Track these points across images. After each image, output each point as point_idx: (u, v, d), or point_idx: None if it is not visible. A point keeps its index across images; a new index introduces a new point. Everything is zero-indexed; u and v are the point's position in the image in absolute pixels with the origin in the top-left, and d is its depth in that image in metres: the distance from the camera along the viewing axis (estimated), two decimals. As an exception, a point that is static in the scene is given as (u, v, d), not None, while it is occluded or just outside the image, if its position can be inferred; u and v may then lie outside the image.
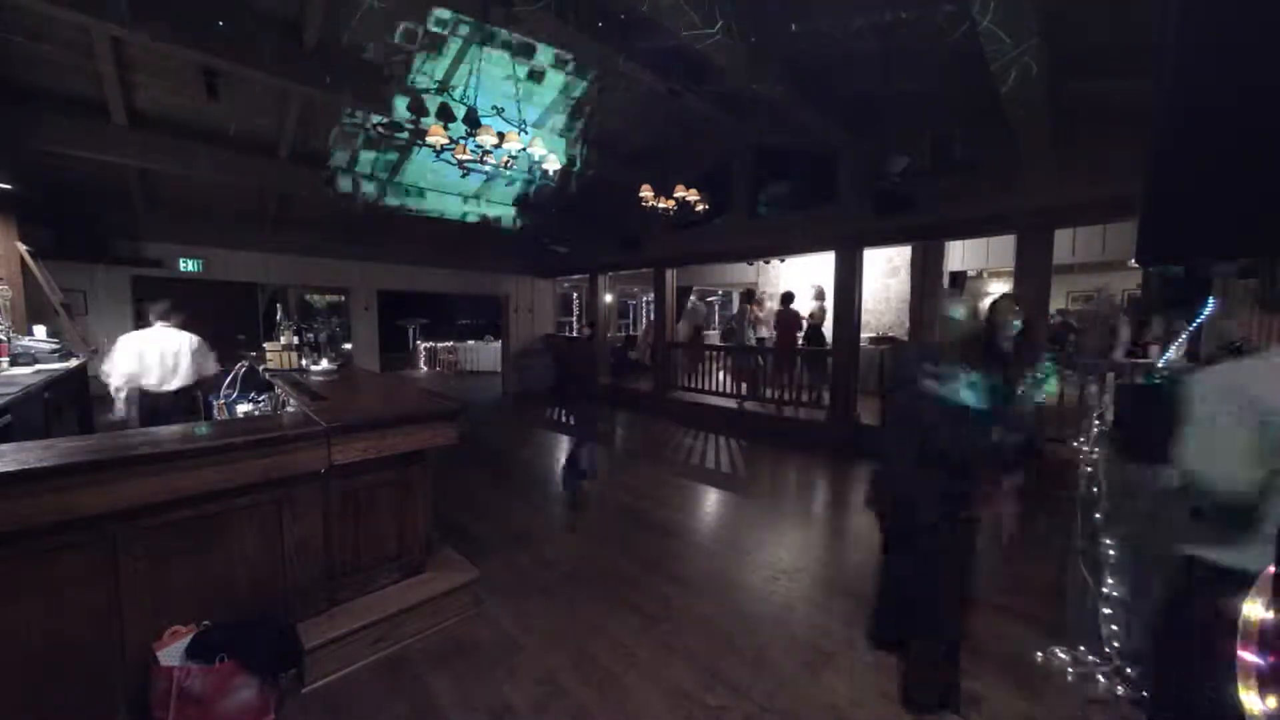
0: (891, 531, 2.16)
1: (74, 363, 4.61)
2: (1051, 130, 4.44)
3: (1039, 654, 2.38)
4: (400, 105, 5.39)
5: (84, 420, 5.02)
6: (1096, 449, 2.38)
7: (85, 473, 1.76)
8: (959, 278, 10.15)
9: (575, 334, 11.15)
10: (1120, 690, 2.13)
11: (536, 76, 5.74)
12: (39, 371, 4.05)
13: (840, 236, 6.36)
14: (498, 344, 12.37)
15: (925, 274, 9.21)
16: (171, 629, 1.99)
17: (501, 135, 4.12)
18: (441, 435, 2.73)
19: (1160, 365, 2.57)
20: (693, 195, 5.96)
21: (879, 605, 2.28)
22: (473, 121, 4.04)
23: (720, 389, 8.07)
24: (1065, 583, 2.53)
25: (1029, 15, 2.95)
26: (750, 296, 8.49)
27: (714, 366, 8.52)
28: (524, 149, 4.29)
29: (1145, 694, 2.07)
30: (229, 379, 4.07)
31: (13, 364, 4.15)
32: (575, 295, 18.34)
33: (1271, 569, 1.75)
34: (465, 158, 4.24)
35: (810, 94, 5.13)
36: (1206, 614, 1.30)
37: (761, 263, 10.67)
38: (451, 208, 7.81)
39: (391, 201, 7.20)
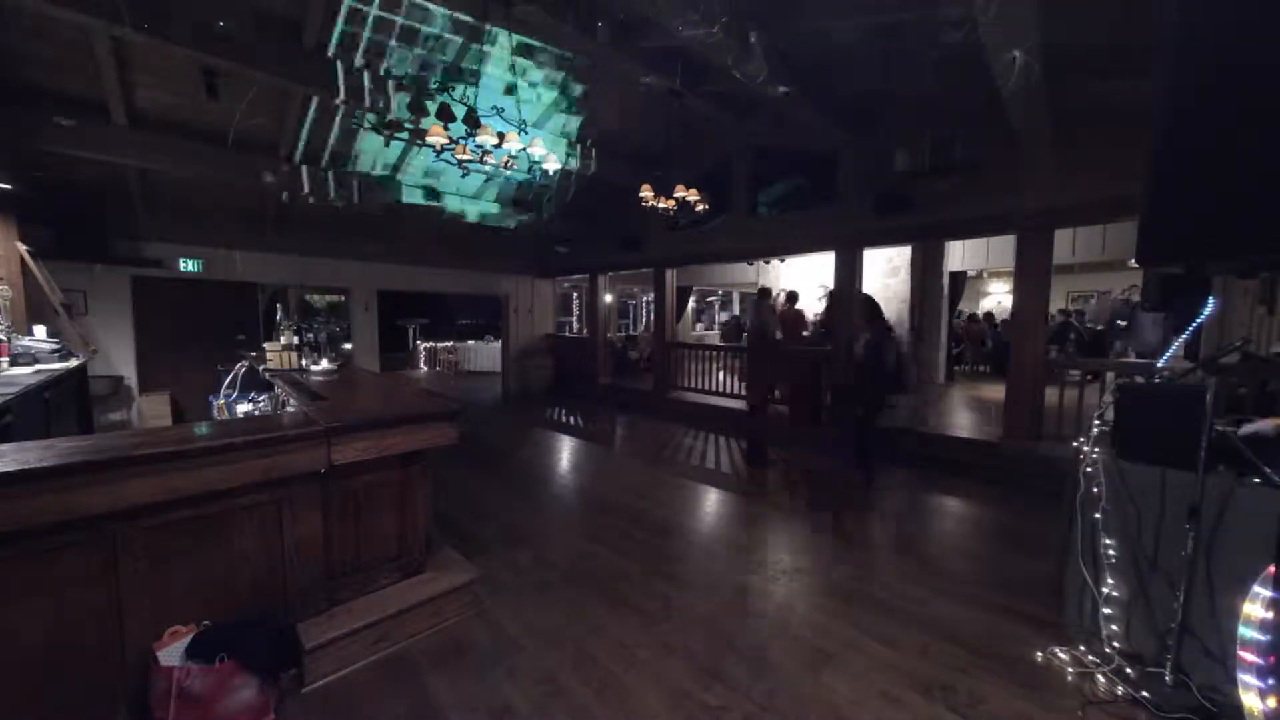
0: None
1: (74, 363, 4.62)
2: (1052, 130, 4.44)
3: (1039, 654, 2.38)
4: (399, 105, 5.39)
5: (84, 420, 5.02)
6: (1096, 449, 2.38)
7: (85, 473, 1.76)
8: (959, 277, 10.16)
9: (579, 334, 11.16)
10: (1120, 690, 2.13)
11: (536, 77, 5.74)
12: (39, 371, 4.06)
13: (840, 236, 6.36)
14: (498, 344, 12.37)
15: (925, 274, 9.22)
16: (171, 629, 1.99)
17: (501, 135, 4.12)
18: (441, 435, 2.72)
19: (1160, 365, 2.57)
20: (693, 195, 5.96)
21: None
22: (473, 121, 4.04)
23: (720, 389, 8.07)
24: (1065, 583, 2.53)
25: (1029, 15, 2.95)
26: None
27: (714, 366, 8.53)
28: (524, 149, 4.29)
29: (1145, 694, 2.07)
30: (229, 379, 4.08)
31: (13, 364, 4.15)
32: (575, 295, 18.34)
33: (1271, 569, 1.75)
34: (465, 158, 4.24)
35: (810, 94, 5.14)
36: None
37: (761, 263, 10.68)
38: (451, 207, 7.81)
39: (392, 201, 7.21)
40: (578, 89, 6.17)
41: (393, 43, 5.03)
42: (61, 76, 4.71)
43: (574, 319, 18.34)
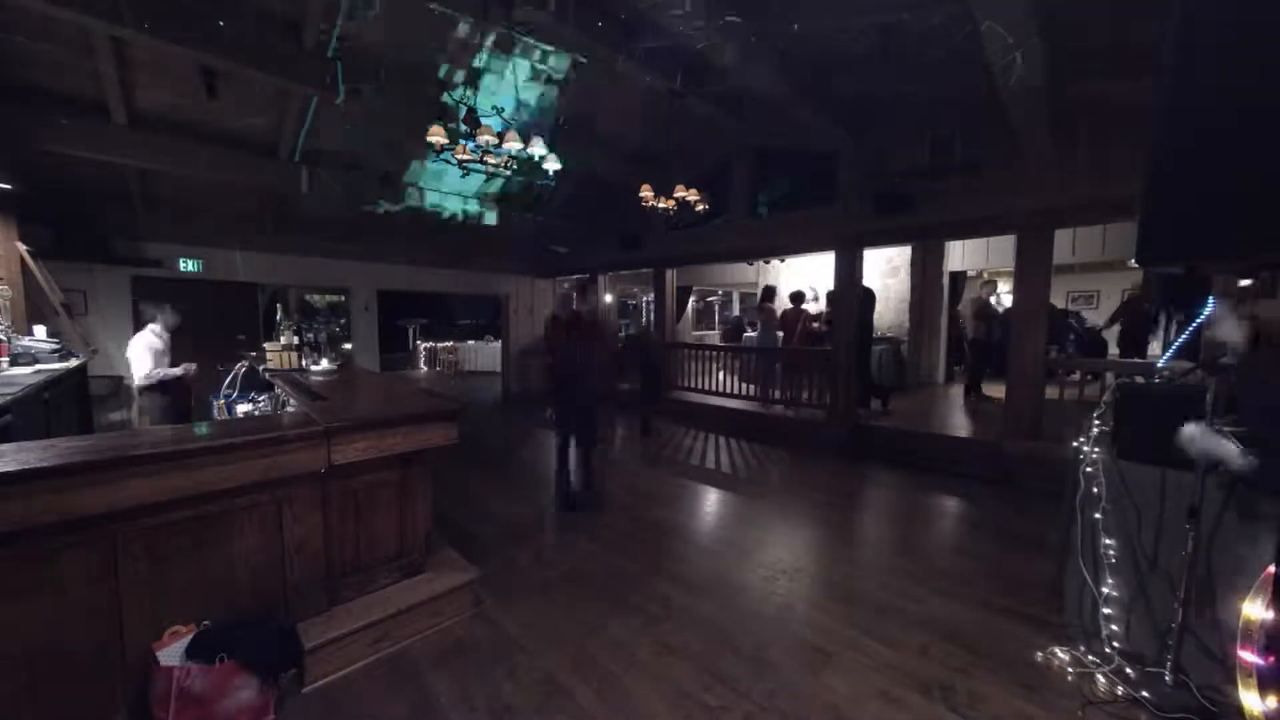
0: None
1: (74, 363, 4.62)
2: (1052, 130, 4.44)
3: (1039, 654, 2.38)
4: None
5: (84, 420, 5.02)
6: (1096, 449, 2.38)
7: (85, 473, 1.76)
8: (959, 277, 10.16)
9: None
10: (1120, 690, 2.13)
11: (536, 77, 5.74)
12: (39, 371, 4.06)
13: (840, 236, 6.36)
14: (498, 344, 12.36)
15: (925, 274, 9.22)
16: (171, 629, 1.99)
17: (501, 135, 4.13)
18: (441, 435, 2.73)
19: (1160, 365, 2.57)
20: (693, 195, 5.96)
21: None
22: (473, 121, 4.04)
23: (720, 389, 8.07)
24: (1065, 583, 2.53)
25: (1029, 15, 2.95)
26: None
27: (714, 366, 8.52)
28: (524, 149, 4.29)
29: (1145, 694, 2.07)
30: (229, 379, 4.08)
31: (13, 364, 4.16)
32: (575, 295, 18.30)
33: (1271, 569, 1.75)
34: (465, 158, 4.24)
35: (810, 94, 5.13)
36: None
37: (761, 263, 10.67)
38: (452, 207, 7.81)
39: (391, 201, 7.21)
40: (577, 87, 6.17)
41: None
42: (61, 76, 4.71)
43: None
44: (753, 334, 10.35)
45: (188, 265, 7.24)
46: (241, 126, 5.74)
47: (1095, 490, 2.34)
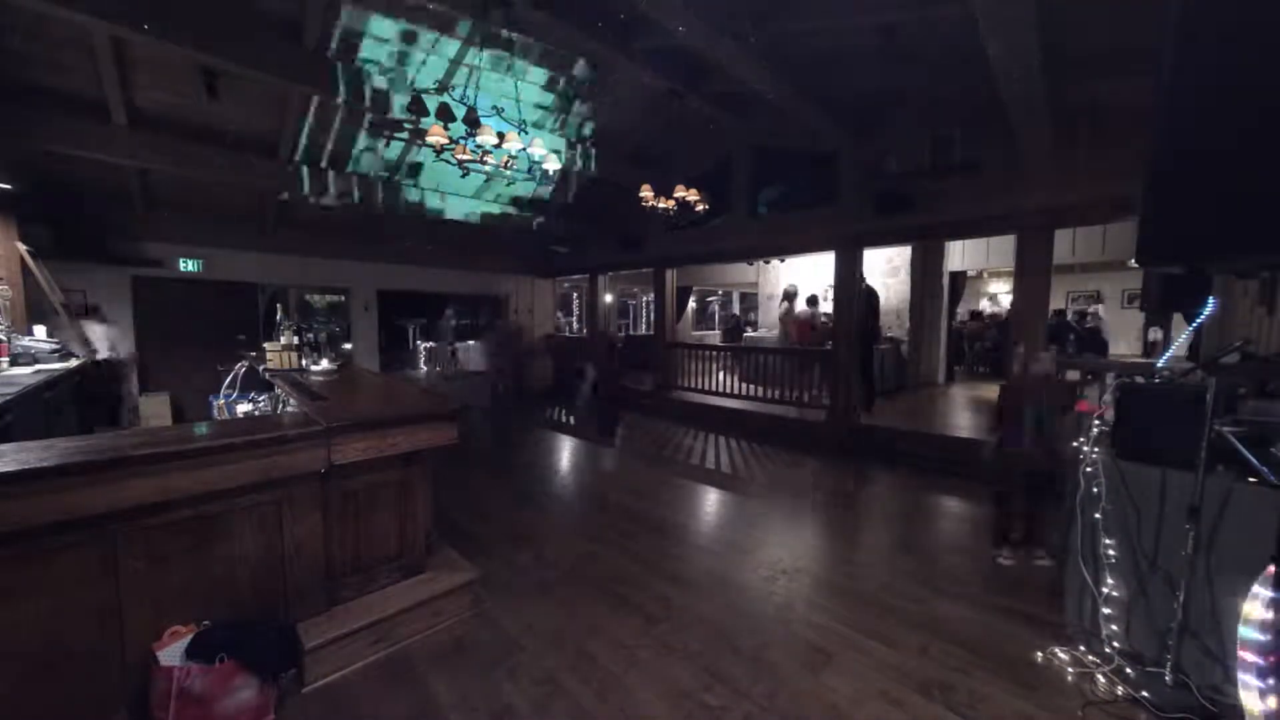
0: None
1: (74, 363, 4.62)
2: (1052, 130, 4.44)
3: (1039, 654, 2.38)
4: (399, 105, 5.39)
5: (84, 420, 5.02)
6: (1096, 449, 2.38)
7: (85, 473, 1.76)
8: (959, 277, 10.17)
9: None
10: (1120, 690, 2.13)
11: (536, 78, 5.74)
12: (39, 371, 4.06)
13: (840, 236, 6.36)
14: (498, 344, 12.35)
15: (925, 274, 9.23)
16: (171, 629, 1.99)
17: (501, 135, 4.12)
18: (441, 435, 2.73)
19: (1160, 365, 2.57)
20: (693, 195, 5.96)
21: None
22: (472, 121, 4.04)
23: (720, 389, 8.07)
24: (1065, 583, 2.53)
25: (1029, 15, 2.95)
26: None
27: (714, 366, 8.53)
28: (524, 149, 4.29)
29: (1145, 694, 2.07)
30: (229, 379, 4.08)
31: (13, 364, 4.16)
32: (575, 295, 18.33)
33: (1271, 569, 1.75)
34: (465, 158, 4.24)
35: (810, 94, 5.13)
36: None
37: (761, 263, 10.68)
38: (452, 207, 7.81)
39: (391, 201, 7.21)
40: (577, 87, 6.17)
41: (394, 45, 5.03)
42: (61, 76, 4.70)
43: (574, 319, 18.33)
44: (757, 334, 10.36)
45: (188, 265, 7.24)
46: (241, 126, 5.74)
47: (1095, 490, 2.34)
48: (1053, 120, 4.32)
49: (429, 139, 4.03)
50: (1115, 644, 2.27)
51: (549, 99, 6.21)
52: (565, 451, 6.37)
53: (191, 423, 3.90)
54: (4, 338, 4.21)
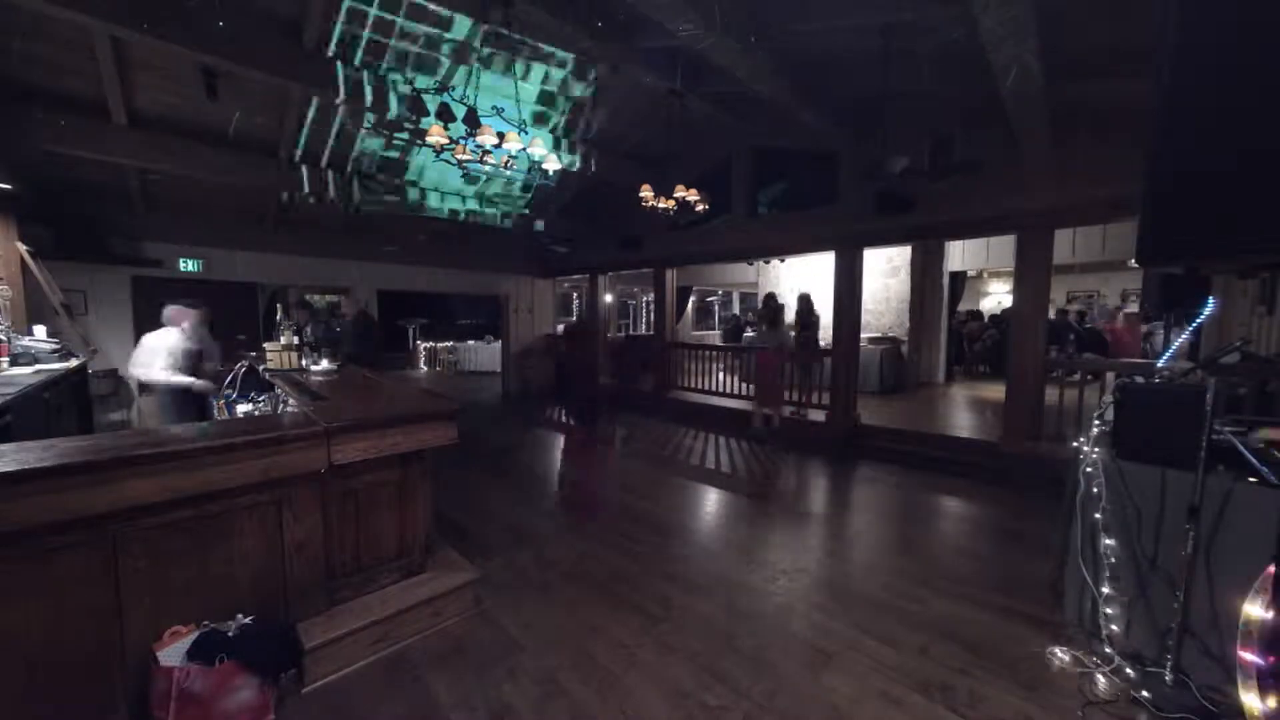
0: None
1: (74, 363, 4.62)
2: (1052, 130, 4.44)
3: (1039, 654, 2.38)
4: (398, 104, 5.39)
5: (84, 420, 5.02)
6: (1097, 449, 2.38)
7: (85, 473, 1.76)
8: (959, 277, 10.17)
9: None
10: (1120, 690, 2.13)
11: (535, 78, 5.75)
12: (39, 371, 4.06)
13: (840, 236, 6.36)
14: (498, 344, 12.37)
15: (925, 274, 9.23)
16: (171, 629, 1.99)
17: (501, 135, 4.12)
18: (441, 435, 2.73)
19: (1160, 365, 2.57)
20: (693, 195, 5.96)
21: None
22: (472, 121, 4.04)
23: (720, 389, 8.07)
24: (1065, 583, 2.53)
25: (1029, 15, 2.94)
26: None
27: (714, 366, 8.52)
28: (524, 149, 4.29)
29: (1145, 694, 2.07)
30: (229, 379, 4.08)
31: (13, 364, 4.16)
32: (575, 295, 18.34)
33: (1271, 569, 1.75)
34: (465, 158, 4.24)
35: (810, 94, 5.13)
36: None
37: (761, 263, 10.67)
38: (452, 207, 7.81)
39: (392, 201, 7.21)
40: (576, 89, 6.17)
41: (394, 42, 5.03)
42: (61, 76, 4.70)
43: (574, 319, 18.30)
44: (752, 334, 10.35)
45: (188, 265, 7.24)
46: (241, 127, 5.74)
47: (1095, 490, 2.34)
48: (1052, 120, 4.32)
49: (429, 139, 4.03)
50: (1115, 644, 2.27)
51: (549, 99, 6.21)
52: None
53: (191, 423, 3.89)
54: (4, 338, 4.21)
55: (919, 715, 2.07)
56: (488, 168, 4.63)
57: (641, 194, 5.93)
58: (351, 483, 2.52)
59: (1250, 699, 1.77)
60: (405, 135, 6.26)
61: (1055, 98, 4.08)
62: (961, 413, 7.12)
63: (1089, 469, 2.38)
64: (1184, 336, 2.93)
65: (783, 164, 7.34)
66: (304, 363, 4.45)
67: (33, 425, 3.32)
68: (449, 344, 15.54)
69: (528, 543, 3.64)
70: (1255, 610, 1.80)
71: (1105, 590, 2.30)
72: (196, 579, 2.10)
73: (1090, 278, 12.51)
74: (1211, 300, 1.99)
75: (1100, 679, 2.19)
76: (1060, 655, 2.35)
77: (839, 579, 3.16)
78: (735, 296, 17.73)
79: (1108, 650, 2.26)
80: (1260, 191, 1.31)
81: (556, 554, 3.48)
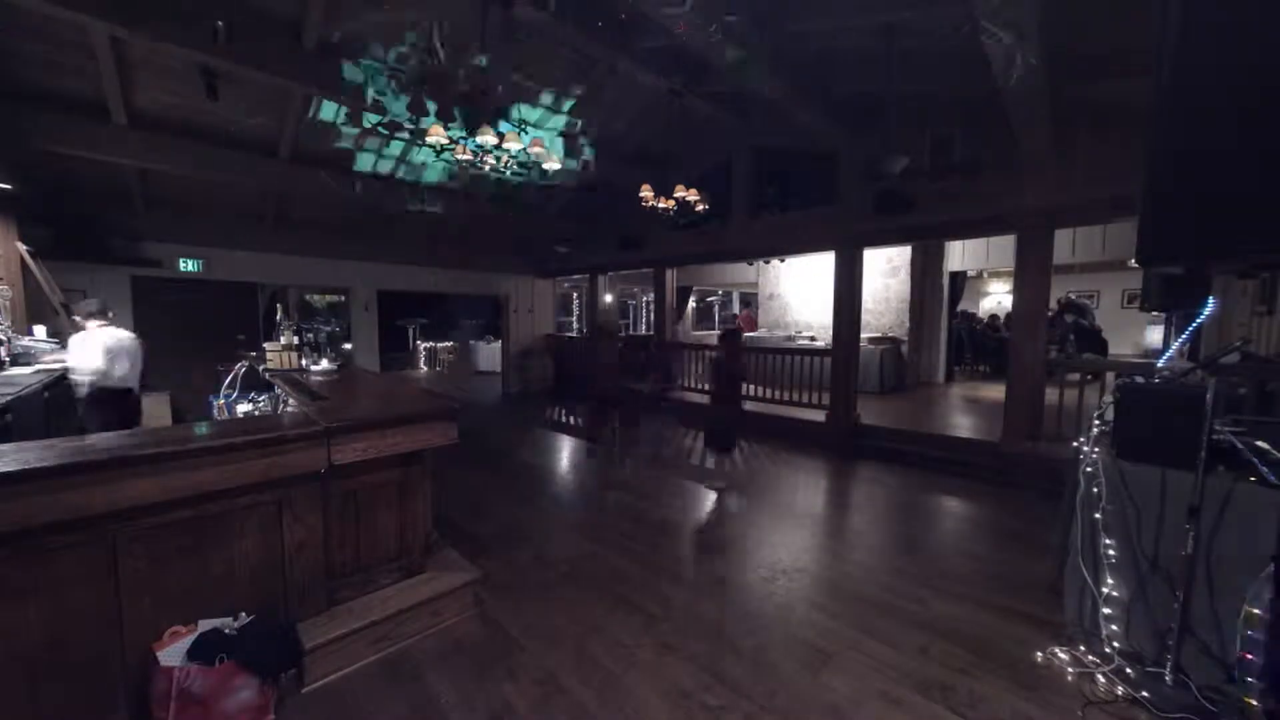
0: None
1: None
2: (1052, 130, 4.44)
3: (1039, 654, 2.38)
4: (398, 104, 5.39)
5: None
6: (1097, 449, 2.38)
7: (85, 473, 1.76)
8: (959, 277, 10.16)
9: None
10: (1120, 690, 2.13)
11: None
12: (39, 371, 4.06)
13: (840, 236, 6.36)
14: (498, 344, 12.37)
15: (925, 274, 9.23)
16: (171, 629, 1.99)
17: (501, 135, 4.12)
18: (441, 435, 2.72)
19: (1160, 365, 2.57)
20: (693, 195, 5.96)
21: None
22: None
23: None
24: (1065, 583, 2.53)
25: (1029, 15, 2.94)
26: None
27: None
28: (524, 149, 4.29)
29: (1145, 694, 2.07)
30: (229, 379, 4.08)
31: (13, 364, 4.16)
32: (575, 295, 18.34)
33: (1271, 569, 1.75)
34: (465, 158, 4.24)
35: (810, 94, 5.13)
36: None
37: (761, 263, 10.67)
38: (451, 206, 7.81)
39: (391, 200, 7.21)
40: (577, 89, 6.17)
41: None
42: (61, 76, 4.70)
43: (574, 319, 18.34)
44: (757, 334, 10.37)
45: (188, 265, 7.24)
46: (242, 126, 5.74)
47: (1095, 490, 2.34)
48: (1053, 120, 4.32)
49: (429, 139, 4.03)
50: (1115, 644, 2.27)
51: (549, 99, 6.21)
52: (565, 451, 6.36)
53: (191, 423, 3.90)
54: (4, 337, 4.21)
55: (919, 715, 2.06)
56: (487, 168, 4.63)
57: (642, 194, 5.93)
58: (351, 483, 2.52)
59: (1250, 699, 1.77)
60: (405, 135, 6.26)
61: (1056, 97, 4.08)
62: (960, 413, 7.12)
63: (1089, 469, 2.38)
64: (1183, 338, 2.93)
65: (783, 164, 7.34)
66: (304, 363, 4.45)
67: (33, 425, 3.32)
68: (449, 344, 15.61)
69: (528, 543, 3.64)
70: (1255, 610, 1.80)
71: (1105, 590, 2.30)
72: (196, 579, 2.10)
73: (1090, 278, 12.51)
74: (1211, 300, 1.99)
75: (1100, 679, 2.19)
76: (1060, 655, 2.35)
77: (839, 579, 3.16)
78: (735, 296, 17.72)
79: (1108, 650, 2.27)
80: (1261, 191, 1.31)
81: (556, 554, 3.48)
